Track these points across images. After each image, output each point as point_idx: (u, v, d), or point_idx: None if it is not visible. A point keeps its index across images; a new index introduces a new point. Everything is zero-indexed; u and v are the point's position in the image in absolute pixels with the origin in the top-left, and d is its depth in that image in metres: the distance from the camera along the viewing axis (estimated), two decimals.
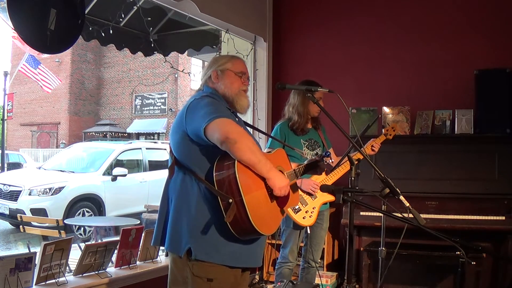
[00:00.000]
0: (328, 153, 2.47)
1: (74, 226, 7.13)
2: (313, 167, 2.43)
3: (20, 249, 7.19)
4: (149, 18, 4.01)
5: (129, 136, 22.02)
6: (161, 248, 3.40)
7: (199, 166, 1.95)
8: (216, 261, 1.92)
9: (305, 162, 2.42)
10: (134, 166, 9.81)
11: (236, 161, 1.84)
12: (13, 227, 8.31)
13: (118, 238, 3.09)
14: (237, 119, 2.14)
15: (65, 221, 5.68)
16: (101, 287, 2.84)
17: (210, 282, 1.93)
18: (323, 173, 3.28)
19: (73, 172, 8.88)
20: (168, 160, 2.12)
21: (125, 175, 9.00)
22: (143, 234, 3.21)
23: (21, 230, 5.34)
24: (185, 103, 2.07)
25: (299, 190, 2.37)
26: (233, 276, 1.99)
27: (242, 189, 1.82)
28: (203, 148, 1.94)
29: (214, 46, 4.86)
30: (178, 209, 1.98)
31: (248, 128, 2.35)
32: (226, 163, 1.87)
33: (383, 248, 2.29)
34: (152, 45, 4.44)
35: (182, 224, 1.95)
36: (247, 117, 4.49)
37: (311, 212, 3.18)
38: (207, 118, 1.86)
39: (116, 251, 3.05)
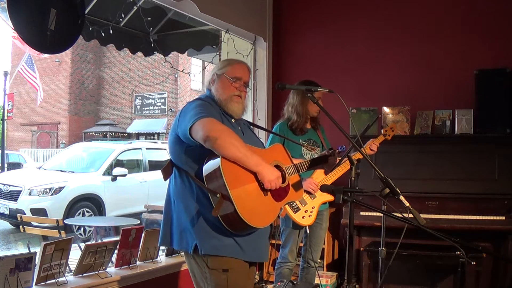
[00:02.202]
0: (343, 147, 2.42)
1: (74, 226, 7.13)
2: (322, 162, 2.41)
3: (20, 249, 7.18)
4: (149, 18, 4.01)
5: (129, 136, 22.01)
6: (161, 248, 3.42)
7: (192, 166, 2.02)
8: (223, 254, 1.98)
9: (317, 156, 2.42)
10: (134, 166, 9.81)
11: (220, 157, 1.89)
12: (13, 227, 8.31)
13: (118, 238, 3.09)
14: (233, 120, 2.15)
15: (65, 221, 5.67)
16: (101, 287, 2.83)
17: (226, 273, 1.99)
18: (323, 173, 3.29)
19: (73, 172, 8.88)
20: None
21: (125, 175, 9.00)
22: (143, 234, 3.21)
23: (21, 230, 5.33)
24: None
25: (302, 184, 2.36)
26: (244, 267, 2.05)
27: (227, 184, 1.86)
28: (193, 149, 2.00)
29: (214, 46, 4.87)
30: (180, 209, 2.05)
31: (252, 128, 2.37)
32: (212, 160, 1.93)
33: (383, 248, 2.29)
34: (152, 45, 4.45)
35: (185, 223, 2.02)
36: (247, 117, 4.49)
37: (311, 212, 3.18)
38: (192, 118, 1.93)
39: (116, 251, 3.05)
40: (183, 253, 2.25)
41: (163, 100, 22.41)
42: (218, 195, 1.86)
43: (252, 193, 1.96)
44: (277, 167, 2.11)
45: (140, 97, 23.10)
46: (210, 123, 1.91)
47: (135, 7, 4.10)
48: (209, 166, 1.93)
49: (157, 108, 22.66)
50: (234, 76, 2.15)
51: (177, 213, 2.07)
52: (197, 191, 2.00)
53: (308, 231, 3.30)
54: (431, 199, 3.70)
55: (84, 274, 2.85)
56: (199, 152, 1.97)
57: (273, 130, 3.40)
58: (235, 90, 2.14)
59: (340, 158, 3.12)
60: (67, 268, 2.87)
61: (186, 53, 5.21)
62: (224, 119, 2.08)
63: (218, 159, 1.89)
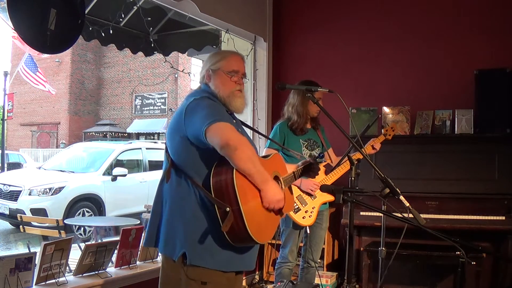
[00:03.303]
0: (322, 154, 2.43)
1: (74, 226, 7.13)
2: (308, 170, 2.36)
3: (20, 249, 7.19)
4: (149, 18, 4.00)
5: (129, 136, 22.02)
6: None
7: (196, 170, 1.91)
8: (211, 267, 1.91)
9: (299, 164, 2.38)
10: (134, 166, 9.80)
11: (234, 169, 1.81)
12: (13, 227, 8.31)
13: (118, 238, 3.09)
14: (234, 121, 2.09)
15: (65, 221, 5.67)
16: (101, 287, 2.84)
17: (204, 286, 1.92)
18: (323, 173, 3.29)
19: (73, 172, 8.88)
20: (163, 161, 2.06)
21: (125, 175, 8.99)
22: (143, 234, 3.21)
23: (21, 230, 5.34)
24: (182, 102, 2.02)
25: (293, 194, 2.33)
26: (226, 279, 1.98)
27: (240, 198, 1.78)
28: (202, 152, 1.91)
29: (214, 46, 4.86)
30: (173, 213, 1.95)
31: (246, 129, 2.31)
32: (224, 170, 1.83)
33: (383, 248, 2.29)
34: (152, 45, 4.43)
35: (177, 228, 1.93)
36: (247, 117, 4.50)
37: (311, 212, 3.18)
38: (208, 120, 1.82)
39: (116, 251, 3.05)
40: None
41: (163, 100, 22.42)
42: (227, 209, 1.77)
43: (258, 208, 1.90)
44: (276, 178, 2.07)
45: (140, 97, 23.11)
46: (229, 129, 1.82)
47: (135, 7, 4.09)
48: (219, 176, 1.83)
49: (157, 108, 22.67)
50: (232, 70, 2.06)
51: (168, 216, 1.96)
52: (196, 198, 1.90)
53: (308, 231, 3.30)
54: (431, 199, 3.69)
55: (84, 274, 2.85)
56: (208, 156, 1.88)
57: (273, 130, 3.40)
58: (235, 84, 2.06)
59: (339, 160, 3.13)
60: (67, 268, 2.88)
61: (186, 53, 5.20)
62: (231, 121, 2.00)
63: (232, 171, 1.80)
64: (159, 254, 3.37)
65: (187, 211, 1.91)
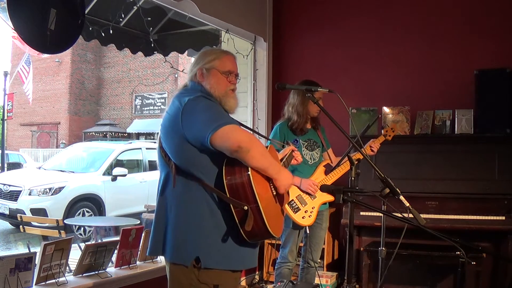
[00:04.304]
0: (295, 140, 2.50)
1: (74, 226, 7.13)
2: (291, 158, 2.42)
3: (20, 249, 7.19)
4: (149, 18, 4.00)
5: (129, 136, 22.01)
6: None
7: (203, 171, 1.87)
8: (225, 267, 1.90)
9: (282, 153, 2.39)
10: (134, 166, 9.81)
11: (250, 168, 1.81)
12: (13, 227, 8.31)
13: (118, 238, 3.09)
14: None
15: (65, 221, 5.67)
16: (101, 287, 2.84)
17: None
18: (323, 173, 3.30)
19: (73, 172, 8.88)
20: (159, 164, 2.00)
21: (125, 175, 9.00)
22: (143, 234, 3.21)
23: (21, 230, 5.34)
24: (173, 102, 1.96)
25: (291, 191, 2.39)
26: (234, 279, 1.98)
27: (258, 196, 1.79)
28: (205, 152, 1.86)
29: (214, 46, 4.85)
30: (179, 217, 1.89)
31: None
32: (237, 169, 1.82)
33: (383, 248, 2.29)
34: (152, 45, 4.43)
35: (187, 234, 1.88)
36: (247, 117, 4.50)
37: (310, 212, 3.18)
38: (212, 125, 1.78)
39: (116, 251, 3.06)
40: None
41: (163, 100, 22.41)
42: (245, 207, 1.77)
43: (270, 202, 1.91)
44: None
45: (140, 97, 23.11)
46: (236, 131, 1.80)
47: (135, 7, 4.09)
48: (233, 176, 1.81)
49: (157, 108, 22.66)
50: (227, 70, 2.03)
51: (174, 222, 1.89)
52: (205, 200, 1.86)
53: (308, 231, 3.30)
54: (431, 199, 3.70)
55: (84, 274, 2.85)
56: (213, 155, 1.85)
57: (273, 130, 3.40)
58: (229, 84, 2.04)
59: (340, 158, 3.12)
60: (67, 268, 2.88)
61: (186, 53, 5.20)
62: (235, 121, 1.98)
63: (247, 169, 1.81)
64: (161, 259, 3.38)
65: (197, 215, 1.87)
